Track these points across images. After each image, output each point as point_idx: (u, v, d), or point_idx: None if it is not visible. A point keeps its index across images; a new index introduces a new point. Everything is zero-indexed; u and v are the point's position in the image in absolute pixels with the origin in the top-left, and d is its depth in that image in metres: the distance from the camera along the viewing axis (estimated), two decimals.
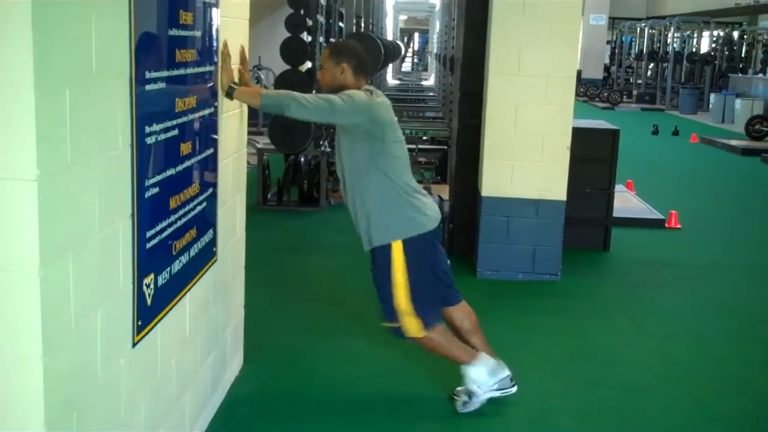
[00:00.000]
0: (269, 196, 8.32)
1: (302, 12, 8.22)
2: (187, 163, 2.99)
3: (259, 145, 8.39)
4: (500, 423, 3.76)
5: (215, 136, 3.38)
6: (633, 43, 30.38)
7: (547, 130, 5.70)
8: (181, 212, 2.94)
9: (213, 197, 3.40)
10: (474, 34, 6.21)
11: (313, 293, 5.53)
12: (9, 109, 1.86)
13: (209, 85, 3.27)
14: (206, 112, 3.22)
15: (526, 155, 5.73)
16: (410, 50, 44.93)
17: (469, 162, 6.22)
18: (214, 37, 3.29)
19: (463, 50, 6.44)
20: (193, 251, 3.12)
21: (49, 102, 1.93)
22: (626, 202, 8.60)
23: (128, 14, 2.35)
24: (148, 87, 2.53)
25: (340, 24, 10.79)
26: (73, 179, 2.08)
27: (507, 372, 3.83)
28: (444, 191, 7.56)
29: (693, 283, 6.17)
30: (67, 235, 2.07)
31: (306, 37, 8.46)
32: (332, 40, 9.59)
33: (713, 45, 26.91)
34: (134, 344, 2.57)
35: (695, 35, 28.43)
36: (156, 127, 2.62)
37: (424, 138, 10.30)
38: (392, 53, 14.06)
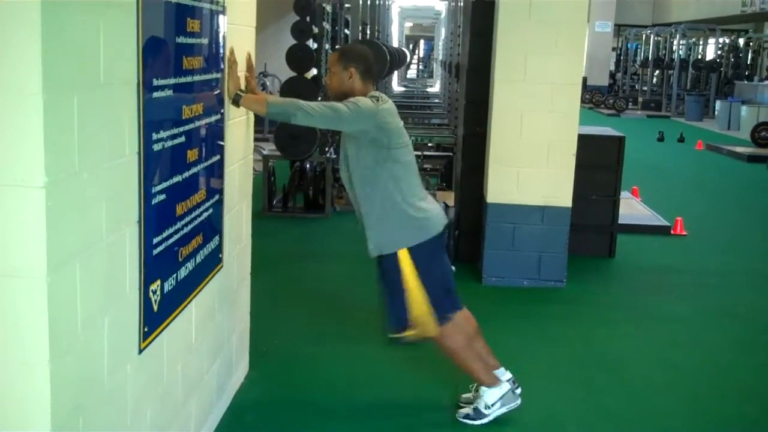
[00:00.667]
0: (275, 202, 8.33)
1: (308, 19, 8.26)
2: (194, 170, 3.00)
3: (264, 152, 8.41)
4: (507, 430, 3.75)
5: (222, 143, 3.40)
6: (639, 50, 30.36)
7: (553, 137, 5.70)
8: (187, 219, 2.95)
9: (219, 204, 3.41)
10: (480, 41, 6.21)
11: (318, 300, 5.53)
12: (17, 116, 1.88)
13: (216, 92, 3.28)
14: (213, 118, 3.24)
15: (531, 162, 5.74)
16: (416, 57, 44.96)
17: (475, 169, 6.23)
18: (221, 44, 3.31)
19: (468, 57, 6.45)
20: (199, 258, 3.13)
21: (57, 109, 1.94)
22: (632, 208, 8.60)
23: (136, 22, 2.37)
24: (155, 94, 2.54)
25: (346, 31, 10.82)
26: (80, 186, 2.09)
27: (508, 386, 3.82)
28: (449, 198, 7.56)
29: (698, 290, 6.16)
30: (75, 241, 2.08)
31: (312, 44, 8.49)
32: (338, 47, 9.61)
33: (719, 52, 26.89)
34: (140, 350, 2.58)
35: (701, 42, 28.42)
36: (163, 134, 2.64)
37: (430, 145, 10.31)
38: (398, 60, 14.08)
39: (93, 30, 2.13)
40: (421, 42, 47.50)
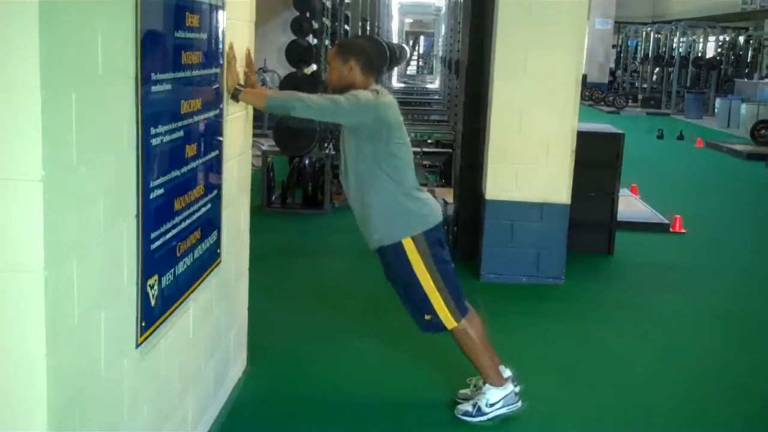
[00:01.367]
0: (273, 198, 8.33)
1: (308, 15, 8.24)
2: (192, 165, 2.99)
3: (263, 147, 8.41)
4: (506, 429, 3.75)
5: (220, 138, 3.39)
6: (638, 47, 30.36)
7: (552, 134, 5.70)
8: (185, 214, 2.94)
9: (217, 199, 3.41)
10: (479, 38, 6.21)
11: (316, 295, 5.53)
12: (16, 110, 1.87)
13: (215, 87, 3.27)
14: (211, 114, 3.23)
15: (530, 159, 5.73)
16: (415, 53, 44.93)
17: (474, 165, 6.23)
18: (220, 39, 3.30)
19: (468, 54, 6.45)
20: (197, 253, 3.13)
21: (55, 103, 1.93)
22: (631, 206, 8.60)
23: (134, 16, 2.36)
24: (153, 89, 2.54)
25: (346, 27, 10.80)
26: (78, 180, 2.08)
27: (512, 387, 3.82)
28: (448, 194, 7.57)
29: (697, 288, 6.17)
30: (72, 235, 2.08)
31: (311, 40, 8.49)
32: (337, 42, 9.60)
33: (719, 49, 26.88)
34: (138, 345, 2.57)
35: (701, 40, 28.41)
36: (161, 129, 2.63)
37: (429, 141, 10.31)
38: (398, 56, 14.07)
39: (91, 24, 2.12)
40: (421, 38, 47.46)
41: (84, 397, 2.22)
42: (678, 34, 26.16)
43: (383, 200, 3.57)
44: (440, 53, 25.87)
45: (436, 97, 19.85)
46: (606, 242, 6.89)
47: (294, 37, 8.11)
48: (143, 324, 2.59)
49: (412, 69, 41.86)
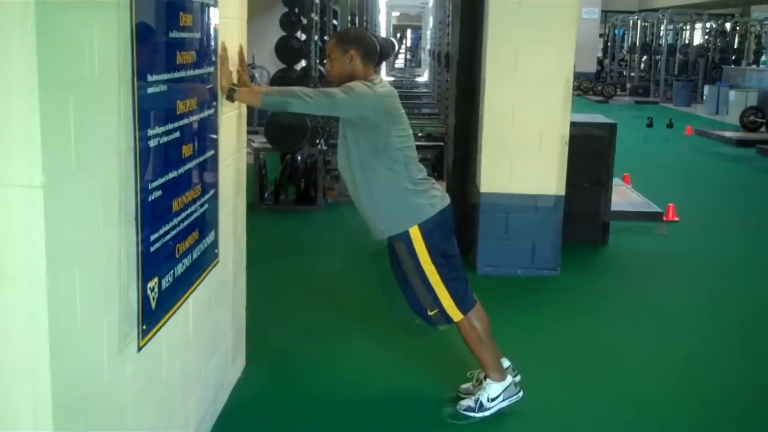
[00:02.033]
0: (266, 195, 8.31)
1: (297, 11, 8.22)
2: (189, 166, 2.98)
3: (255, 144, 8.38)
4: (504, 421, 3.75)
5: (216, 138, 3.37)
6: (626, 36, 30.41)
7: (545, 126, 5.70)
8: (183, 215, 2.93)
9: (214, 199, 3.39)
10: (470, 31, 6.20)
11: (313, 293, 5.52)
12: (13, 115, 1.86)
13: (209, 86, 3.25)
14: (207, 113, 3.21)
15: (523, 151, 5.73)
16: (403, 47, 44.86)
17: (467, 158, 6.22)
18: (213, 37, 3.28)
19: (459, 47, 6.43)
20: (195, 254, 3.11)
21: (53, 108, 1.92)
22: (623, 195, 8.60)
23: (129, 18, 2.34)
24: (149, 90, 2.52)
25: (335, 22, 10.78)
26: (77, 184, 2.07)
27: (511, 379, 3.82)
28: (441, 187, 7.55)
29: (692, 276, 6.19)
30: (73, 240, 2.07)
31: (301, 36, 8.46)
32: (326, 38, 9.57)
33: (706, 37, 26.94)
34: (139, 348, 2.56)
35: (688, 27, 28.48)
36: (158, 130, 2.61)
37: (420, 134, 10.29)
38: (387, 50, 14.04)
39: (87, 27, 2.10)
40: (408, 32, 47.41)
41: (88, 402, 2.21)
42: (665, 22, 26.20)
43: (386, 191, 3.55)
44: (428, 46, 25.84)
45: (426, 90, 19.83)
46: (600, 233, 6.90)
47: (283, 33, 8.09)
48: (144, 327, 2.58)
49: (400, 62, 41.79)
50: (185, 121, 2.90)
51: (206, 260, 3.30)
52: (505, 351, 3.92)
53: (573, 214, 6.26)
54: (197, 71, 3.06)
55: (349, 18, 10.02)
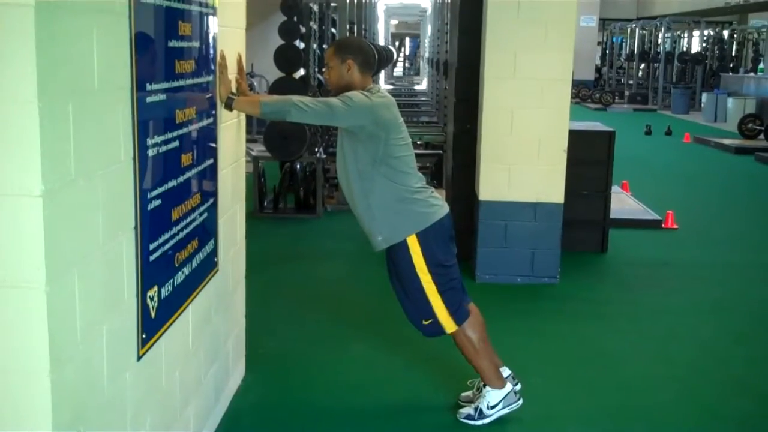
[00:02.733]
0: (266, 203, 8.31)
1: (295, 19, 8.23)
2: (188, 174, 2.98)
3: (254, 153, 8.38)
4: (504, 429, 3.75)
5: (215, 146, 3.38)
6: (624, 43, 30.45)
7: (544, 134, 5.70)
8: (182, 223, 2.93)
9: (213, 207, 3.39)
10: (468, 39, 6.21)
11: (312, 300, 5.51)
12: (13, 125, 1.86)
13: (208, 95, 3.26)
14: (206, 122, 3.22)
15: (522, 159, 5.74)
16: (401, 55, 44.92)
17: (466, 166, 6.22)
18: (212, 46, 3.29)
19: (457, 55, 6.45)
20: (195, 262, 3.11)
21: (52, 117, 1.92)
22: (622, 203, 8.62)
23: (129, 27, 2.35)
24: (149, 99, 2.52)
25: (333, 30, 10.79)
26: (77, 194, 2.07)
27: (510, 387, 3.81)
28: (440, 196, 7.55)
29: (692, 283, 6.18)
30: (73, 250, 2.07)
31: (299, 44, 8.48)
32: (325, 46, 9.59)
33: (704, 44, 27.00)
34: (139, 358, 2.56)
35: (686, 35, 28.52)
36: (157, 139, 2.62)
37: (419, 143, 10.30)
38: (385, 58, 14.07)
39: (86, 36, 2.11)
40: (407, 40, 47.49)
41: (88, 412, 2.20)
42: (663, 30, 26.25)
43: (384, 201, 3.55)
44: (427, 54, 25.87)
45: (424, 98, 19.84)
46: (600, 240, 6.91)
47: (281, 42, 8.10)
48: (144, 336, 2.58)
49: (398, 71, 41.85)
50: (184, 130, 2.91)
51: (206, 269, 3.30)
52: (504, 359, 3.92)
53: (572, 221, 6.27)
54: (196, 80, 3.07)
55: (347, 26, 10.04)
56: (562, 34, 5.62)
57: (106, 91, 2.24)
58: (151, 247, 2.61)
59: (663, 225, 7.93)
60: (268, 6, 11.72)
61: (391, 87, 26.22)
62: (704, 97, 21.41)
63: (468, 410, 3.78)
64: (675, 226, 7.92)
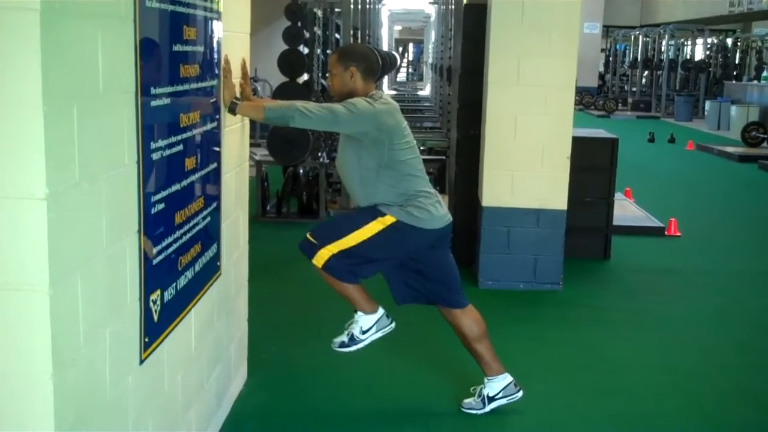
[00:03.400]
0: (268, 208, 8.32)
1: (299, 24, 8.25)
2: (192, 178, 2.98)
3: (257, 157, 8.39)
4: None
5: (218, 150, 3.38)
6: (627, 50, 30.45)
7: (547, 140, 5.71)
8: (186, 227, 2.93)
9: (217, 211, 3.40)
10: (472, 45, 6.22)
11: (314, 305, 5.50)
12: (18, 127, 1.86)
13: (212, 99, 3.27)
14: (209, 126, 3.22)
15: (526, 165, 5.74)
16: (405, 60, 44.97)
17: (469, 172, 6.22)
18: (217, 51, 3.29)
19: (461, 61, 6.45)
20: (198, 266, 3.12)
21: (57, 120, 1.92)
22: (625, 210, 8.61)
23: (134, 31, 2.35)
24: (153, 103, 2.53)
25: (337, 36, 10.81)
26: (81, 197, 2.07)
27: (510, 378, 3.85)
28: (443, 201, 7.55)
29: (695, 291, 6.17)
30: (76, 253, 2.07)
31: (303, 49, 8.49)
32: (329, 52, 9.60)
33: (707, 52, 27.00)
34: (141, 361, 2.56)
35: (689, 43, 28.52)
36: (161, 143, 2.62)
37: (422, 148, 10.31)
38: (389, 64, 14.08)
39: (92, 40, 2.11)
40: (410, 45, 47.54)
41: (90, 415, 2.20)
42: (666, 37, 26.26)
43: (385, 203, 3.56)
44: (430, 60, 25.89)
45: (428, 104, 19.86)
46: (602, 247, 6.90)
47: (285, 47, 8.11)
48: (146, 339, 2.58)
49: (401, 76, 41.90)
50: (188, 133, 2.91)
51: (208, 272, 3.30)
52: (506, 365, 3.92)
53: (575, 228, 6.27)
54: (201, 84, 3.07)
55: (351, 32, 10.05)
56: (565, 41, 5.63)
57: (111, 94, 2.24)
58: (155, 250, 2.61)
59: (666, 232, 7.92)
60: (273, 11, 11.75)
61: (394, 92, 26.23)
62: (707, 104, 21.41)
63: (470, 400, 3.89)
64: (678, 234, 7.91)
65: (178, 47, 2.78)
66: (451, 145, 7.46)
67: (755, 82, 22.46)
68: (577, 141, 5.88)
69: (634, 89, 28.37)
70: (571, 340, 4.98)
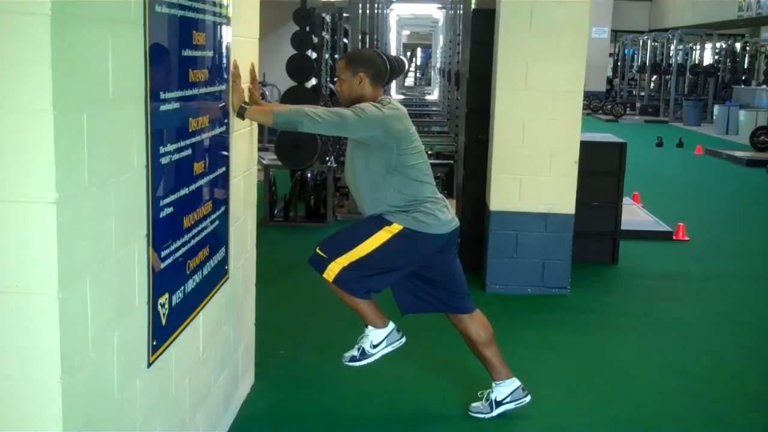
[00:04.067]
0: (276, 212, 8.33)
1: (308, 29, 8.27)
2: (200, 182, 2.99)
3: (265, 161, 8.40)
4: None
5: (227, 155, 3.39)
6: (635, 55, 30.43)
7: (555, 145, 5.70)
8: (194, 231, 2.94)
9: (225, 215, 3.41)
10: (480, 50, 6.22)
11: (322, 309, 5.50)
12: (28, 132, 1.87)
13: (221, 104, 3.28)
14: (218, 131, 3.23)
15: (534, 169, 5.74)
16: (413, 65, 44.99)
17: (477, 176, 6.23)
18: (226, 55, 3.31)
19: (469, 65, 6.46)
20: (206, 270, 3.12)
21: (67, 125, 1.93)
22: (633, 214, 8.60)
23: (143, 37, 2.36)
24: (162, 108, 2.54)
25: (345, 40, 10.83)
26: (90, 201, 2.08)
27: (518, 383, 3.85)
28: (451, 206, 7.56)
29: (703, 296, 6.16)
30: (85, 257, 2.08)
31: (311, 54, 8.51)
32: (337, 56, 9.62)
33: (716, 57, 26.94)
34: (149, 364, 2.57)
35: (698, 47, 28.47)
36: (170, 148, 2.63)
37: (430, 152, 10.32)
38: (397, 69, 14.10)
39: (102, 45, 2.12)
40: (418, 50, 47.57)
41: (98, 418, 2.21)
42: (675, 42, 26.22)
43: (392, 208, 3.57)
44: (438, 64, 25.91)
45: (436, 108, 19.87)
46: (610, 251, 6.89)
47: (294, 52, 8.13)
48: (155, 343, 2.59)
49: (409, 81, 41.91)
50: (197, 138, 2.92)
51: (216, 276, 3.31)
52: (514, 370, 3.92)
53: (583, 232, 6.26)
54: (209, 89, 3.08)
55: (359, 37, 10.07)
56: (574, 46, 5.63)
57: (121, 99, 2.25)
58: (163, 254, 2.62)
59: (674, 237, 7.90)
60: (281, 16, 11.79)
61: (402, 97, 26.27)
62: (716, 109, 21.36)
63: (477, 404, 3.89)
64: (686, 238, 7.90)
65: (187, 52, 2.79)
66: (459, 150, 7.46)
67: (764, 86, 22.42)
68: (585, 145, 5.88)
69: (642, 94, 28.33)
70: (578, 345, 4.97)
